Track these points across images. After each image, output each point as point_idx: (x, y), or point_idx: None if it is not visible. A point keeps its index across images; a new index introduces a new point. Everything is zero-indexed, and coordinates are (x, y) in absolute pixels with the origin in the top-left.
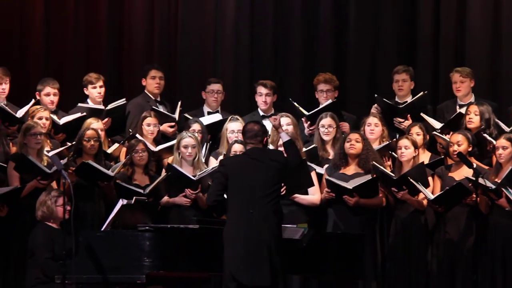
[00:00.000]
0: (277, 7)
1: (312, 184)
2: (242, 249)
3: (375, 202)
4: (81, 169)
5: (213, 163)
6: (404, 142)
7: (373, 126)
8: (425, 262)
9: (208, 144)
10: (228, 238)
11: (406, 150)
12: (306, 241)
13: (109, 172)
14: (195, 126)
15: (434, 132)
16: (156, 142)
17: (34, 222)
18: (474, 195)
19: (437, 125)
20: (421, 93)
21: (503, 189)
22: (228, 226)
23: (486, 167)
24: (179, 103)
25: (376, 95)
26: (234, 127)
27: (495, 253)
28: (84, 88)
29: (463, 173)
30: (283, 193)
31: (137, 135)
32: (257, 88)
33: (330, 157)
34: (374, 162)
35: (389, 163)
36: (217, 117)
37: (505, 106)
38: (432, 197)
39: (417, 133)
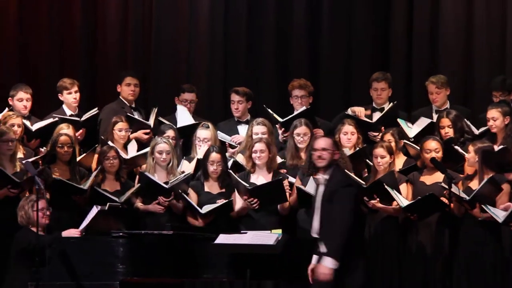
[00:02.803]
0: (251, 14)
1: (285, 200)
2: None
3: None
4: (54, 186)
5: (186, 166)
6: (379, 151)
7: (350, 135)
8: (398, 264)
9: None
10: None
11: (382, 159)
12: (280, 247)
13: (82, 186)
14: (170, 132)
15: (405, 141)
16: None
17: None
18: (448, 203)
19: (411, 133)
20: (391, 104)
21: (483, 207)
22: None
23: (461, 175)
24: (155, 110)
25: (346, 113)
26: (201, 135)
27: (468, 258)
28: (59, 94)
29: (434, 178)
30: (256, 207)
31: (109, 142)
32: (230, 96)
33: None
34: (346, 171)
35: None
36: (189, 119)
37: (478, 111)
38: (404, 204)
39: (389, 140)
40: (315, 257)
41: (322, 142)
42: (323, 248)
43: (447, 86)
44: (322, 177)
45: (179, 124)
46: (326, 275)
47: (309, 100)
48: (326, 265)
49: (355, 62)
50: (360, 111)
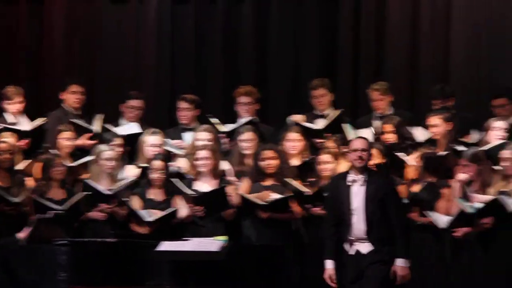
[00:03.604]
0: (198, 20)
1: (229, 207)
2: None
3: (289, 215)
4: None
5: (130, 172)
6: (324, 157)
7: (294, 142)
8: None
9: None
10: None
11: (327, 166)
12: (224, 253)
13: (12, 198)
14: (116, 140)
15: (345, 150)
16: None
17: None
18: None
19: None
20: (338, 111)
21: (424, 212)
22: None
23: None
24: (102, 116)
25: (288, 120)
26: (153, 141)
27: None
28: (1, 102)
29: None
30: (202, 215)
31: (50, 150)
32: (178, 103)
33: None
34: (286, 179)
35: None
36: (134, 128)
37: (424, 118)
38: None
39: (331, 146)
40: (330, 262)
41: (361, 143)
42: (365, 248)
43: (389, 93)
44: (360, 177)
45: (124, 132)
46: (407, 275)
47: (256, 107)
48: (405, 266)
49: (302, 68)
50: (300, 120)
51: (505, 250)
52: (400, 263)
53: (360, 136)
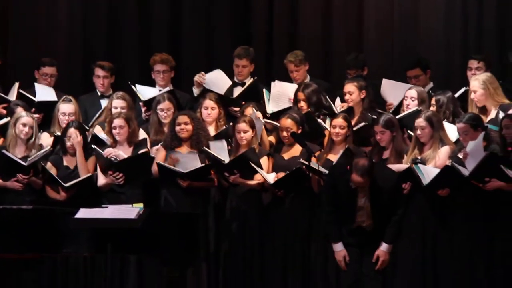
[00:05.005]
0: None
1: (150, 175)
2: None
3: (207, 184)
4: None
5: (45, 139)
6: (242, 126)
7: (210, 110)
8: (261, 242)
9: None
10: None
11: (245, 134)
12: (142, 221)
13: None
14: (19, 110)
15: (265, 120)
16: None
17: None
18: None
19: (269, 109)
20: (251, 80)
21: None
22: None
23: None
24: (17, 84)
25: (207, 88)
26: (65, 109)
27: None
28: None
29: (292, 152)
30: (121, 182)
31: None
32: (94, 70)
33: None
34: (205, 147)
35: None
36: (50, 94)
37: (338, 87)
38: (271, 181)
39: (250, 114)
40: (340, 244)
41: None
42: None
43: (305, 62)
44: None
45: (38, 99)
46: (387, 261)
47: (171, 75)
48: (388, 252)
49: (217, 36)
50: (198, 77)
51: (421, 215)
52: (384, 248)
53: None
